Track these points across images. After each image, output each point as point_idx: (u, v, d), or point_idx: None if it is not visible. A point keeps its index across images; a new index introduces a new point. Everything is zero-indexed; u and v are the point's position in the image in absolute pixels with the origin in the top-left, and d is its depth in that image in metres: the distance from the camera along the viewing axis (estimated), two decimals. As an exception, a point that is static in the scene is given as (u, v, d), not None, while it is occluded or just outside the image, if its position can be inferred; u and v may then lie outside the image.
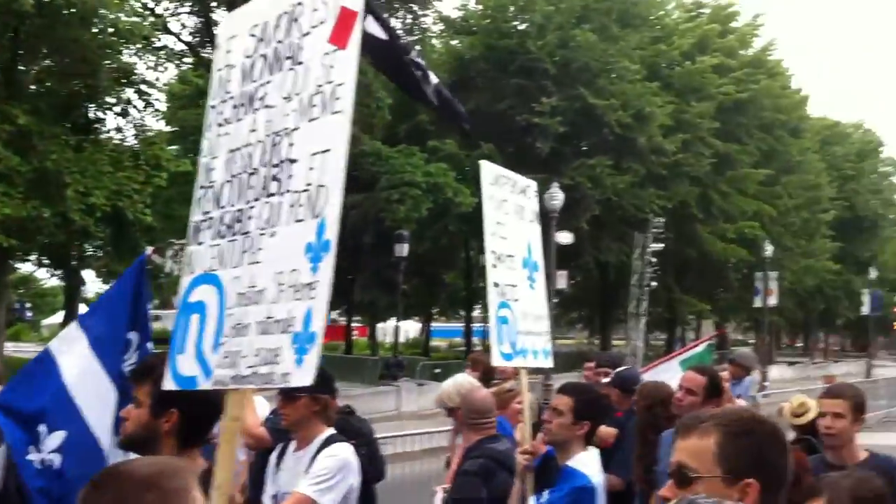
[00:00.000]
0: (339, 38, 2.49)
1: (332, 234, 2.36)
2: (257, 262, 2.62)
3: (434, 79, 3.28)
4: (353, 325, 51.06)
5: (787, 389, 24.50)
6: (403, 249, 28.80)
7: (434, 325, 62.51)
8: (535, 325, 5.08)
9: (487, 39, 33.45)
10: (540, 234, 5.32)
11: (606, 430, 6.14)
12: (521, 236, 5.11)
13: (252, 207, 2.70)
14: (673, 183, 36.31)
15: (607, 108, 32.17)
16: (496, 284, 4.78)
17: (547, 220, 26.93)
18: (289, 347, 2.43)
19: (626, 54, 33.80)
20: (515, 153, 33.73)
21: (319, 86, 2.55)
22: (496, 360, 4.83)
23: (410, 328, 69.98)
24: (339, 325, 49.20)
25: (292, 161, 2.58)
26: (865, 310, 55.38)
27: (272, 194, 2.62)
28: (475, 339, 46.13)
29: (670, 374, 6.94)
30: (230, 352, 2.61)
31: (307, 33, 2.64)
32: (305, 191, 2.49)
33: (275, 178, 2.63)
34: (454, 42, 35.66)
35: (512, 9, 34.13)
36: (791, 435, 10.30)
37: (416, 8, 28.92)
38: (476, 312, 45.95)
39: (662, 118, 34.01)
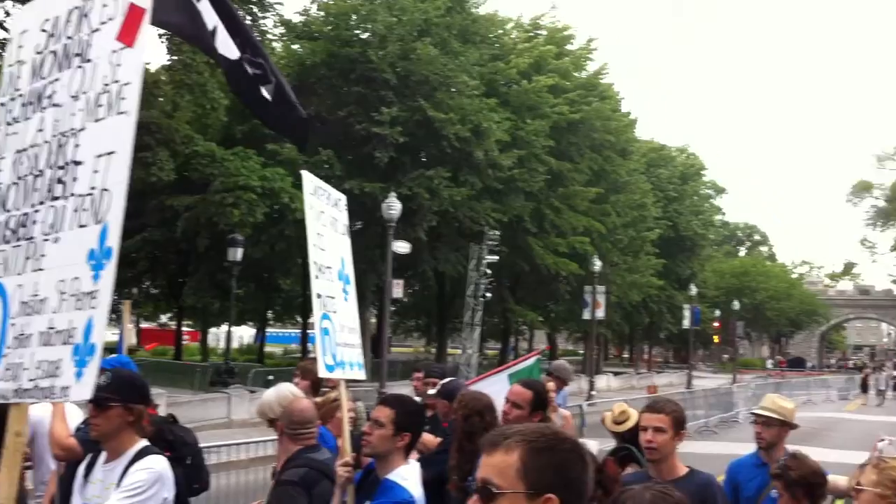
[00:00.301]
0: (126, 35, 2.41)
1: (114, 240, 2.28)
2: (40, 270, 2.51)
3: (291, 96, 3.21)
4: (184, 329, 49.67)
5: (613, 399, 25.37)
6: (237, 254, 28.36)
7: (269, 330, 61.60)
8: (350, 338, 5.14)
9: (329, 46, 33.18)
10: (350, 247, 5.39)
11: (430, 439, 6.19)
12: (337, 248, 5.17)
13: (37, 212, 2.59)
14: (508, 197, 37.09)
15: (446, 121, 32.53)
16: (319, 295, 4.81)
17: (385, 229, 27.13)
18: (69, 360, 2.34)
19: (466, 70, 34.30)
20: (355, 161, 33.68)
21: (106, 85, 2.47)
22: (322, 372, 4.86)
23: (245, 334, 68.65)
24: (168, 330, 47.71)
25: (77, 163, 2.48)
26: (686, 324, 58.38)
27: (57, 198, 2.52)
28: (310, 346, 45.63)
29: (499, 386, 6.98)
30: (12, 364, 2.50)
31: (96, 30, 2.55)
32: (89, 195, 2.40)
33: (60, 181, 2.52)
34: (295, 46, 35.18)
35: (354, 17, 33.96)
36: (611, 444, 10.67)
37: (255, 10, 28.39)
38: (312, 319, 45.42)
39: (499, 134, 34.67)
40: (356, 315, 5.28)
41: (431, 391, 7.09)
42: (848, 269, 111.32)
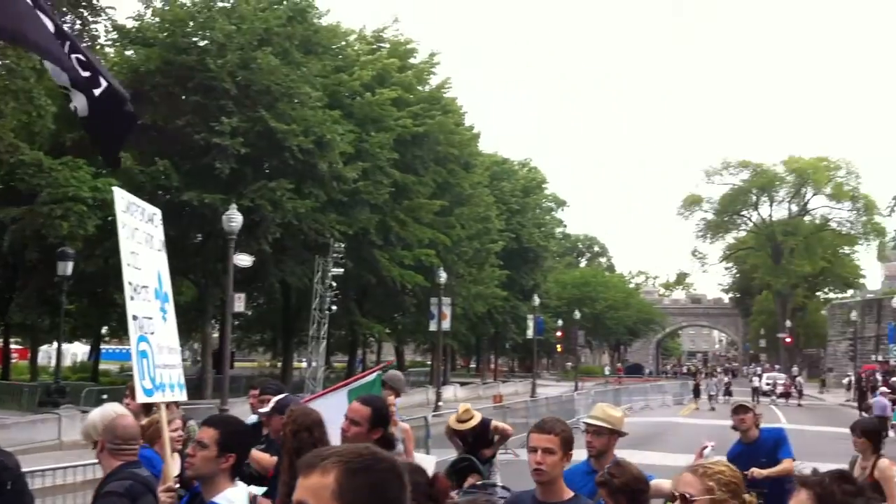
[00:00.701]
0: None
1: None
2: None
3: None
4: (12, 347, 47.11)
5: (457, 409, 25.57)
6: (67, 268, 27.18)
7: (105, 347, 59.25)
8: (170, 358, 5.02)
9: (165, 53, 32.13)
10: (167, 263, 5.25)
11: (269, 459, 5.97)
12: (153, 266, 5.03)
13: None
14: (353, 209, 36.94)
15: (288, 132, 32.07)
16: (135, 317, 4.67)
17: (226, 241, 26.43)
18: None
19: (308, 81, 33.96)
20: (194, 172, 32.72)
21: None
22: (140, 398, 4.74)
23: (79, 351, 65.66)
24: (-5, 348, 45.04)
25: None
26: (530, 333, 59.66)
27: None
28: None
29: (337, 403, 6.83)
30: None
31: None
32: None
33: None
34: (129, 53, 33.89)
35: (191, 24, 33.03)
36: (453, 455, 10.60)
37: (86, 14, 27.17)
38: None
39: (343, 146, 34.51)
40: (175, 334, 5.15)
41: (263, 410, 6.92)
42: (681, 278, 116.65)
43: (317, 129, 33.13)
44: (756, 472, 7.66)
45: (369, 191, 36.95)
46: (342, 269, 36.72)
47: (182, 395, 5.18)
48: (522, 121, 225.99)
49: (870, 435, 7.77)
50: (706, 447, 6.48)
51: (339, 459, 2.03)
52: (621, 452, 5.49)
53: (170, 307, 5.10)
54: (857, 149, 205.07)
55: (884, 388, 38.56)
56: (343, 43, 42.53)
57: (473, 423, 10.37)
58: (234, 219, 25.81)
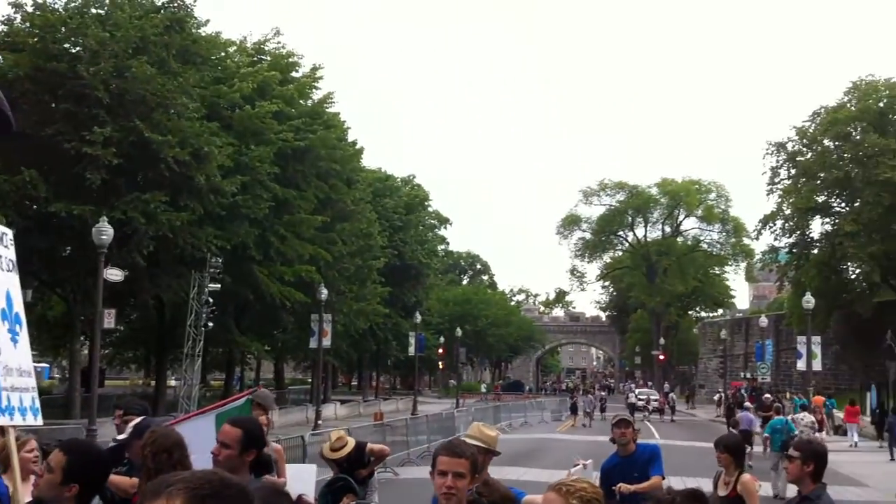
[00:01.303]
0: None
1: None
2: None
3: None
4: None
5: (339, 426, 25.33)
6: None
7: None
8: (20, 381, 4.75)
9: (35, 60, 30.85)
10: (18, 283, 4.99)
11: (129, 482, 5.73)
12: (1, 287, 4.77)
13: None
14: (232, 224, 36.16)
15: (164, 143, 31.21)
16: None
17: (96, 255, 25.46)
18: None
19: (186, 91, 33.15)
20: (63, 182, 31.45)
21: None
22: None
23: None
24: None
25: None
26: (412, 350, 59.73)
27: None
28: None
29: (205, 427, 6.58)
30: None
31: None
32: None
33: None
34: (-3, 58, 32.43)
35: (63, 30, 31.83)
36: (329, 473, 10.41)
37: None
38: None
39: (221, 159, 33.79)
40: (28, 356, 4.89)
41: (126, 432, 6.68)
42: (560, 296, 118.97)
43: (194, 141, 32.36)
44: (623, 487, 7.83)
45: (248, 205, 36.27)
46: (219, 285, 35.88)
47: (36, 420, 4.89)
48: (407, 138, 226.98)
49: (732, 450, 7.99)
50: (578, 465, 6.52)
51: (186, 486, 1.95)
52: (502, 469, 5.49)
53: (21, 329, 4.85)
54: (728, 173, 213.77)
55: (748, 404, 40.22)
56: (223, 54, 41.75)
57: (347, 450, 10.25)
58: (105, 231, 24.98)
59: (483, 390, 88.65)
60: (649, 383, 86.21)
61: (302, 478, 8.58)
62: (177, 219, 32.10)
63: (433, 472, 4.18)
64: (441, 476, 4.15)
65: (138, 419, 6.59)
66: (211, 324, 36.76)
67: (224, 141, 34.64)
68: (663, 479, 7.87)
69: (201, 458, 4.95)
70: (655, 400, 62.33)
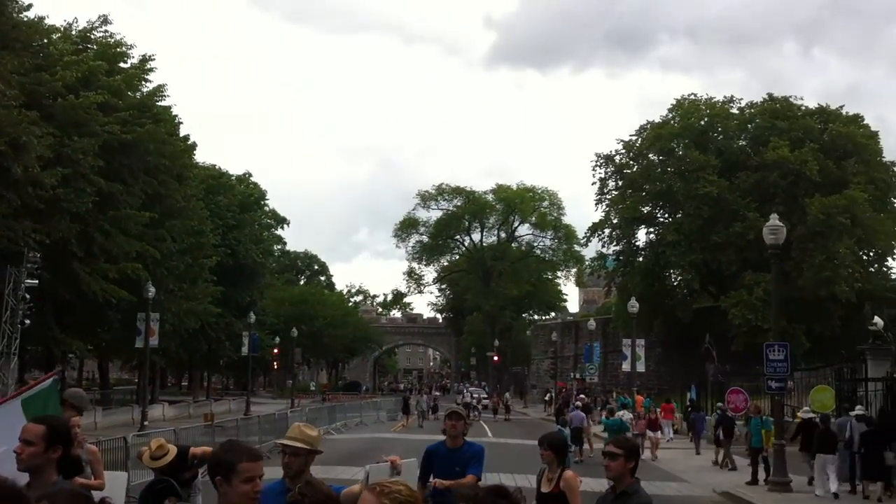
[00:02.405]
0: None
1: None
2: None
3: None
4: None
5: (166, 429, 24.56)
6: None
7: None
8: None
9: None
10: None
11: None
12: None
13: None
14: (52, 218, 34.24)
15: (-23, 131, 29.25)
16: None
17: None
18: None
19: (4, 78, 31.14)
20: None
21: None
22: None
23: None
24: None
25: None
26: (245, 350, 58.61)
27: None
28: None
29: (12, 414, 6.17)
30: None
31: None
32: None
33: None
34: None
35: None
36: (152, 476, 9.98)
37: None
38: None
39: (41, 149, 31.93)
40: None
41: None
42: (398, 298, 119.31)
43: (11, 130, 30.43)
44: (438, 482, 7.98)
45: (70, 198, 34.47)
46: (37, 281, 33.95)
47: None
48: (243, 133, 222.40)
49: (555, 448, 8.20)
50: (384, 461, 6.60)
51: None
52: (335, 469, 5.40)
53: None
54: (561, 182, 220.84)
55: (577, 402, 41.49)
56: (45, 41, 39.42)
57: (168, 458, 9.86)
58: None
59: (312, 388, 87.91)
60: (483, 384, 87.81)
61: (111, 485, 8.24)
62: (-8, 211, 30.16)
63: (234, 479, 3.97)
64: (249, 482, 3.99)
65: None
66: (28, 321, 34.75)
67: (44, 131, 32.73)
68: (479, 480, 7.96)
69: (10, 449, 4.74)
70: (486, 398, 63.48)
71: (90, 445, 8.52)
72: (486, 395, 69.13)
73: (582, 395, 33.93)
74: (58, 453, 4.56)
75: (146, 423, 36.99)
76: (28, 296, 34.10)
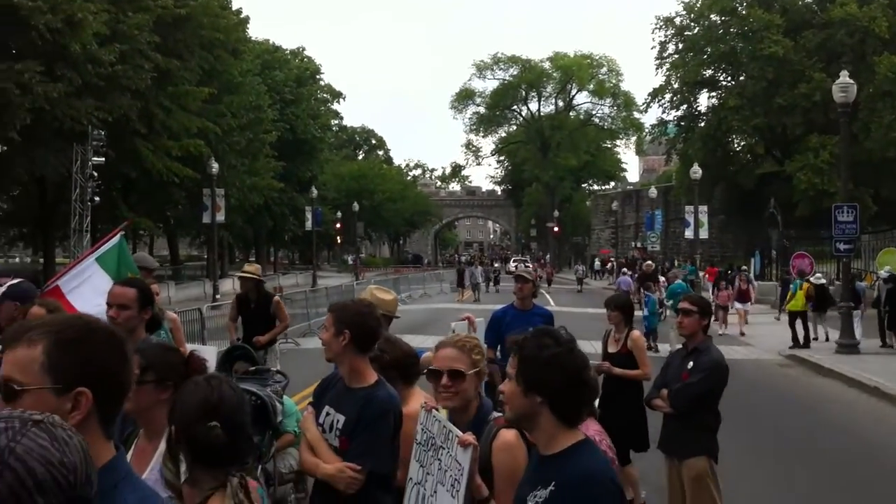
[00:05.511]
0: None
1: None
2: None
3: None
4: None
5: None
6: None
7: None
8: None
9: None
10: None
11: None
12: None
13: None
14: (112, 95, 34.43)
15: (34, 9, 29.22)
16: None
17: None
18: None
19: (52, -46, 30.96)
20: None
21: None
22: None
23: None
24: None
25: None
26: (309, 225, 59.38)
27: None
28: None
29: (90, 273, 6.41)
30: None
31: None
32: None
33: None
34: None
35: None
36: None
37: None
38: None
39: (97, 26, 31.83)
40: None
41: None
42: (456, 171, 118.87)
43: (65, 7, 30.36)
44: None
45: (129, 75, 34.47)
46: (103, 159, 34.51)
47: None
48: (295, 7, 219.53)
49: (623, 309, 8.27)
50: (463, 319, 6.65)
51: (49, 330, 1.85)
52: (403, 338, 5.46)
53: None
54: (618, 48, 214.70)
55: (625, 269, 41.40)
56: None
57: (253, 273, 11.15)
58: (-25, 103, 23.49)
59: (348, 262, 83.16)
60: (547, 255, 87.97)
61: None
62: (53, 90, 30.41)
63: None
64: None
65: (13, 281, 6.22)
66: (97, 198, 35.53)
67: (98, 7, 32.57)
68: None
69: (101, 302, 4.95)
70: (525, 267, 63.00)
71: (171, 313, 8.69)
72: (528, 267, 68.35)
73: (648, 262, 33.20)
74: (148, 314, 4.78)
75: (218, 296, 37.87)
76: (95, 174, 34.74)
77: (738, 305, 26.11)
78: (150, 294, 4.91)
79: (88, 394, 1.83)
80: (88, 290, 6.25)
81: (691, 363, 6.30)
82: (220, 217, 41.84)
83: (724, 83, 57.33)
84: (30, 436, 1.51)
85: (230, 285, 49.11)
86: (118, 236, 6.88)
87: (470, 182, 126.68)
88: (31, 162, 33.83)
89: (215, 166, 38.53)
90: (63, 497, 1.50)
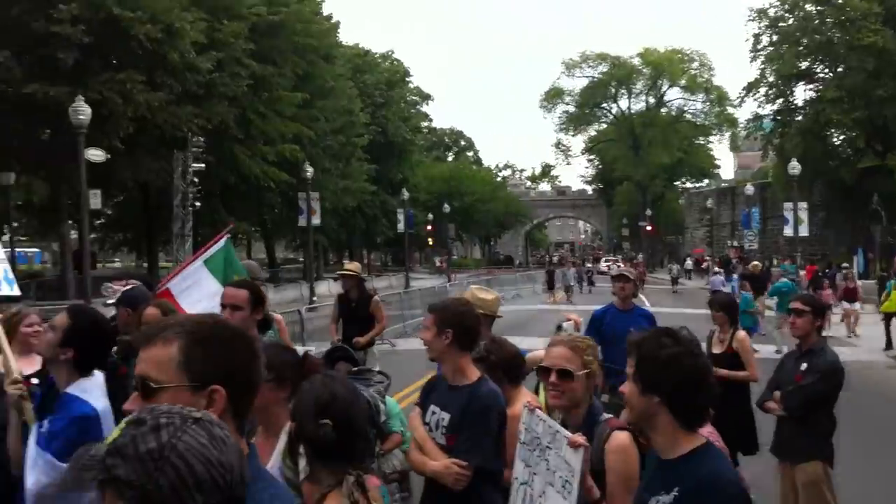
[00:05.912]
0: None
1: None
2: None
3: None
4: None
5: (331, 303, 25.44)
6: None
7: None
8: None
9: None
10: None
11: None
12: None
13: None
14: (210, 102, 35.38)
15: (134, 20, 30.21)
16: None
17: (74, 136, 24.89)
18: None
19: (150, -36, 31.96)
20: (37, 64, 30.63)
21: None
22: None
23: None
24: None
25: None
26: (401, 227, 59.84)
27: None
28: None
29: (198, 276, 6.60)
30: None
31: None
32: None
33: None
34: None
35: None
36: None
37: None
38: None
39: (194, 35, 32.75)
40: None
41: (110, 301, 6.63)
42: (546, 171, 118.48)
43: (164, 17, 31.30)
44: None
45: (226, 82, 35.42)
46: (203, 165, 35.45)
47: (12, 290, 5.01)
48: (383, 12, 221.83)
49: (727, 308, 8.12)
50: (570, 320, 6.52)
51: (182, 329, 1.90)
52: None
53: None
54: (710, 42, 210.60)
55: (717, 269, 40.45)
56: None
57: (355, 270, 11.25)
58: (82, 111, 24.30)
59: (437, 263, 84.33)
60: (640, 255, 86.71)
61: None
62: (154, 98, 31.39)
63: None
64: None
65: (127, 287, 6.42)
66: (198, 203, 36.51)
67: (195, 16, 33.49)
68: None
69: (209, 305, 5.20)
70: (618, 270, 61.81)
71: (276, 315, 8.88)
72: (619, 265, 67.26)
73: (755, 262, 31.96)
74: (260, 315, 4.85)
75: (314, 298, 38.43)
76: (196, 179, 35.70)
77: (845, 305, 24.66)
78: (262, 295, 4.99)
79: (222, 391, 1.86)
80: (196, 292, 6.39)
81: (805, 365, 6.11)
82: (316, 220, 42.55)
83: (821, 75, 55.62)
84: (190, 433, 1.51)
85: (326, 288, 49.89)
86: (224, 240, 7.02)
87: (560, 182, 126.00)
88: (135, 169, 34.96)
89: (310, 170, 39.17)
90: (220, 496, 1.50)
